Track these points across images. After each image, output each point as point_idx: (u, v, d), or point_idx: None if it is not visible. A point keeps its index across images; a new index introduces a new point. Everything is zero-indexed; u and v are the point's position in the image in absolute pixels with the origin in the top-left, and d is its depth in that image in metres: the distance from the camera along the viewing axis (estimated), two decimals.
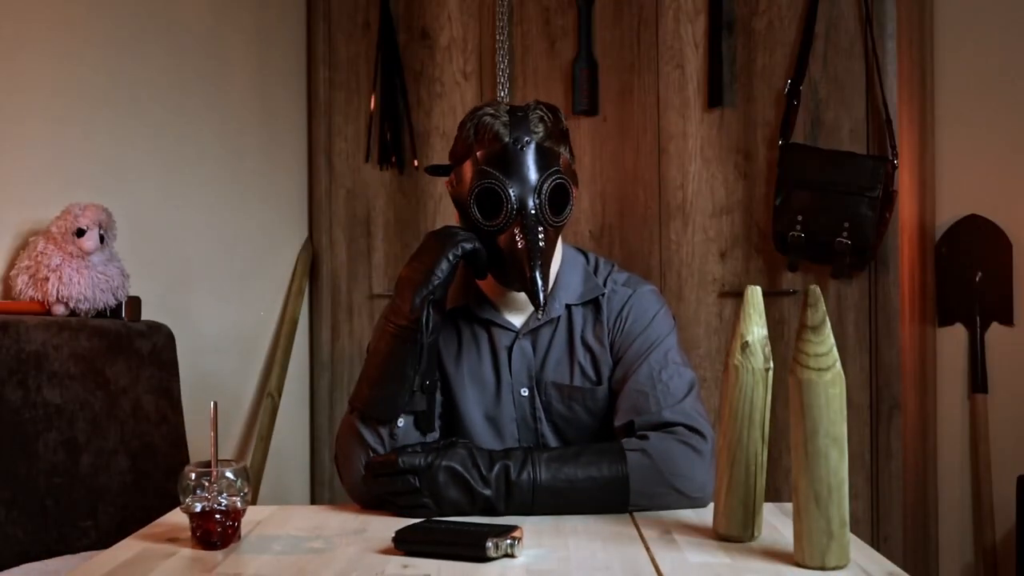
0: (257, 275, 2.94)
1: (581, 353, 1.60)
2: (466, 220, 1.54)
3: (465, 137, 1.55)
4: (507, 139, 1.50)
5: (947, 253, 3.05)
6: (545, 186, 1.49)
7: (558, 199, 1.52)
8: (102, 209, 2.11)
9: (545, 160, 1.51)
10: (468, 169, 1.53)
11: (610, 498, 1.42)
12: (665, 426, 1.48)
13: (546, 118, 1.54)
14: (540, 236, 1.48)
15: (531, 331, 1.61)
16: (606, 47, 2.91)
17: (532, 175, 1.49)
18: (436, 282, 1.47)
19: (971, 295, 3.02)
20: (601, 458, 1.43)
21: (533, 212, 1.49)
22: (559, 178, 1.51)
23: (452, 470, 1.39)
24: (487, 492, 1.39)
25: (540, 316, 1.54)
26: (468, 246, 1.50)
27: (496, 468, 1.40)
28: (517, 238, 1.48)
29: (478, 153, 1.52)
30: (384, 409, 1.47)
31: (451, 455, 1.40)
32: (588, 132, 2.91)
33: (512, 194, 1.48)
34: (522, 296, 1.59)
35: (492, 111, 1.54)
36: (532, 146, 1.50)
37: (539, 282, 1.47)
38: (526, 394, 1.60)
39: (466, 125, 1.56)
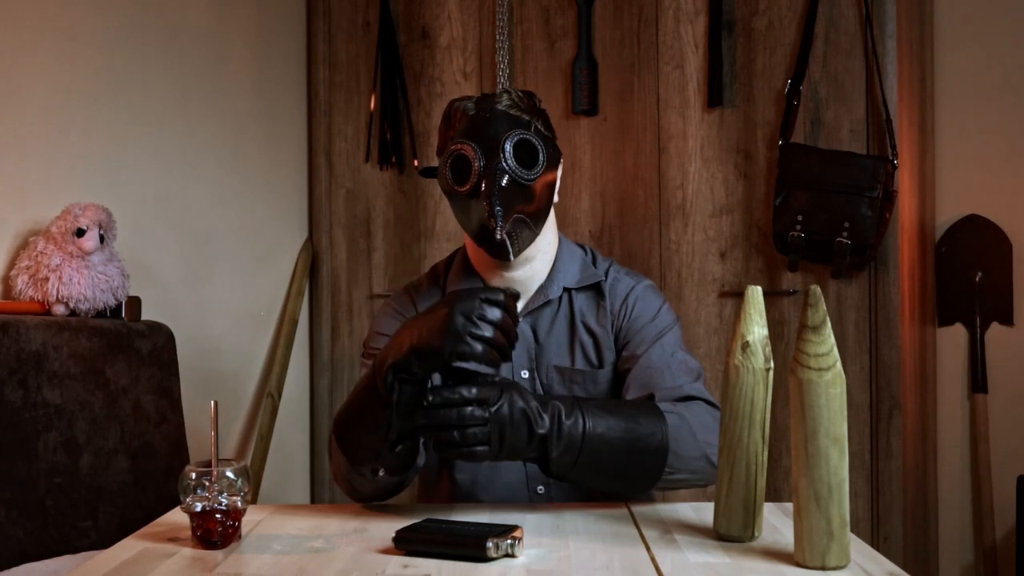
0: (257, 275, 2.94)
1: (583, 336, 1.63)
2: (449, 196, 1.58)
3: (444, 128, 1.62)
4: (472, 111, 1.57)
5: (947, 253, 3.05)
6: (507, 141, 1.53)
7: (526, 154, 1.55)
8: (102, 209, 2.11)
9: (510, 122, 1.56)
10: (446, 151, 1.58)
11: (649, 456, 1.37)
12: (688, 399, 1.49)
13: (513, 94, 1.60)
14: (503, 180, 1.50)
15: (531, 313, 1.63)
16: (606, 47, 2.91)
17: (496, 135, 1.54)
18: (414, 368, 1.29)
19: (971, 295, 3.02)
20: (640, 414, 1.39)
21: (500, 164, 1.51)
22: (522, 134, 1.55)
23: (519, 407, 1.29)
24: (543, 431, 1.31)
25: (498, 237, 1.48)
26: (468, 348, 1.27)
27: (549, 408, 1.32)
28: (482, 187, 1.51)
29: (451, 134, 1.59)
30: (353, 452, 1.39)
31: (513, 392, 1.30)
32: (588, 132, 2.91)
33: (477, 151, 1.53)
34: (520, 277, 1.62)
35: (464, 98, 1.62)
36: (497, 112, 1.56)
37: (498, 211, 1.48)
38: (526, 376, 1.61)
39: (444, 118, 1.63)
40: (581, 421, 1.33)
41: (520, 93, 1.61)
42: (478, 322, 1.25)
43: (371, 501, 1.47)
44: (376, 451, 1.34)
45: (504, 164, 1.52)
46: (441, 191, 1.64)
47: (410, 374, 1.28)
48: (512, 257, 1.54)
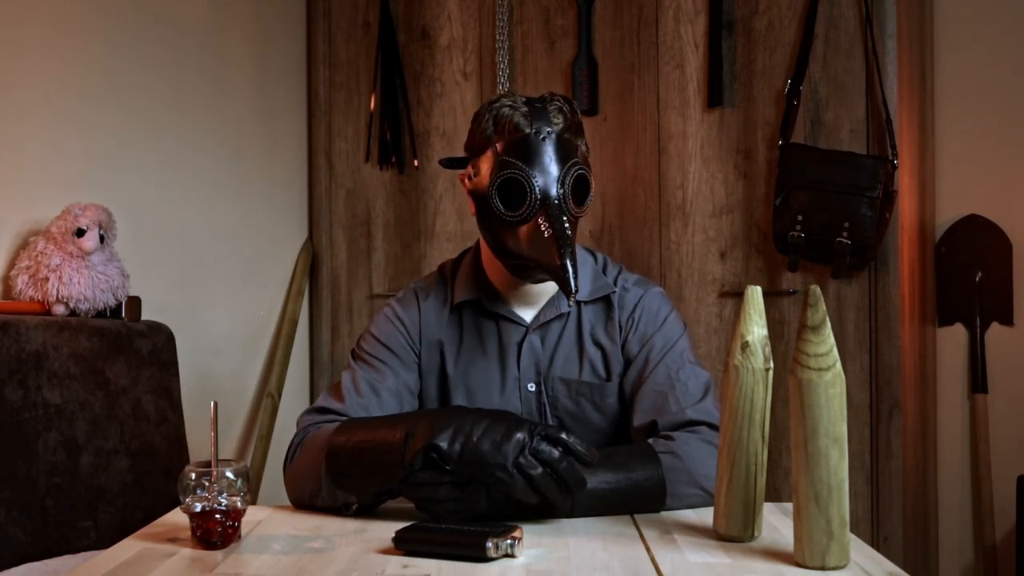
0: (257, 275, 2.94)
1: (591, 349, 1.61)
2: (485, 212, 1.53)
3: (483, 129, 1.54)
4: (528, 130, 1.50)
5: (947, 253, 3.05)
6: (568, 177, 1.49)
7: (580, 189, 1.52)
8: (102, 209, 2.11)
9: (566, 151, 1.51)
10: (488, 160, 1.52)
11: (647, 500, 1.40)
12: (688, 425, 1.48)
13: (564, 109, 1.54)
14: (567, 225, 1.48)
15: (541, 326, 1.61)
16: (606, 47, 2.91)
17: (554, 165, 1.49)
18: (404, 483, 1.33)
19: (971, 295, 3.02)
20: (633, 460, 1.41)
21: (557, 202, 1.48)
22: (581, 168, 1.51)
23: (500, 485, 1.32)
24: (531, 510, 1.35)
25: (571, 304, 1.50)
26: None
27: None
28: (543, 227, 1.47)
29: (498, 144, 1.51)
30: (340, 480, 1.41)
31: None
32: (588, 132, 2.88)
33: (536, 184, 1.48)
34: (534, 289, 1.60)
35: (510, 102, 1.53)
36: (553, 137, 1.50)
37: (570, 269, 1.45)
38: (533, 389, 1.61)
39: (483, 117, 1.55)
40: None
41: (567, 107, 1.54)
42: (530, 457, 1.27)
43: (310, 508, 1.46)
44: (363, 494, 1.39)
45: (564, 205, 1.48)
46: (467, 191, 1.58)
47: (438, 467, 1.30)
48: (576, 291, 1.48)
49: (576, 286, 1.45)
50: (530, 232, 1.48)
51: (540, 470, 1.27)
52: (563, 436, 1.29)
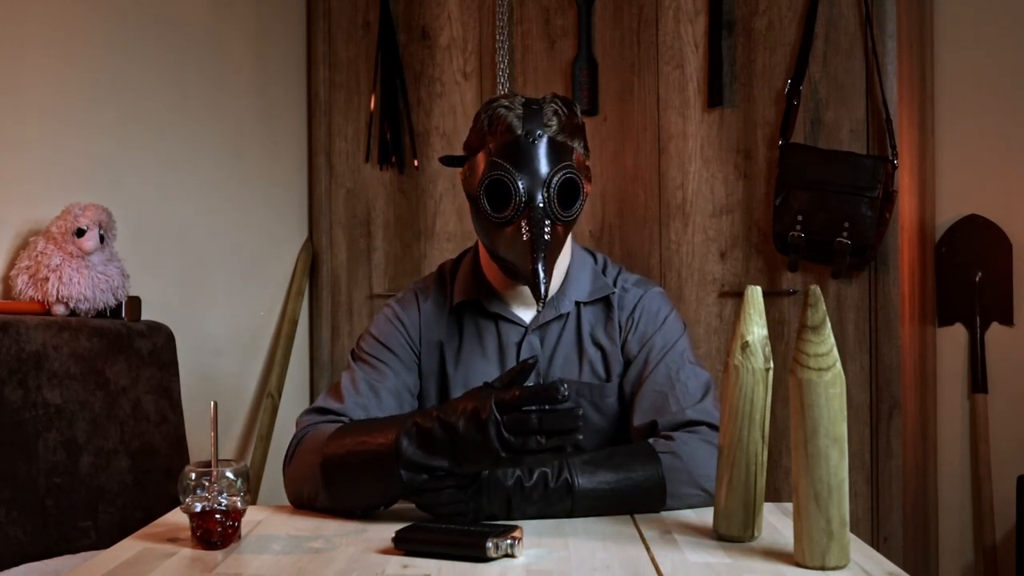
0: (257, 275, 2.94)
1: (591, 350, 1.61)
2: (477, 212, 1.54)
3: (479, 128, 1.55)
4: (519, 132, 1.50)
5: (947, 253, 3.05)
6: (555, 180, 1.48)
7: (568, 193, 1.51)
8: (102, 209, 2.11)
9: (557, 154, 1.50)
10: (480, 161, 1.52)
11: (647, 500, 1.40)
12: (688, 425, 1.48)
13: (560, 112, 1.53)
14: (546, 229, 1.47)
15: (540, 327, 1.61)
16: (606, 47, 2.91)
17: (543, 168, 1.48)
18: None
19: (971, 295, 3.02)
20: (634, 460, 1.41)
21: (541, 205, 1.47)
22: (569, 172, 1.50)
23: (498, 492, 1.35)
24: (531, 510, 1.36)
25: (540, 308, 1.51)
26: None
27: (535, 477, 1.36)
28: (523, 230, 1.47)
29: (491, 145, 1.51)
30: (337, 494, 1.41)
31: (492, 479, 1.35)
32: (588, 132, 2.89)
33: (521, 187, 1.47)
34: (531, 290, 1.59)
35: (507, 103, 1.53)
36: (544, 139, 1.49)
37: (541, 274, 1.45)
38: None
39: (481, 116, 1.55)
40: (568, 482, 1.36)
41: (565, 109, 1.54)
42: (510, 437, 1.24)
43: (309, 509, 1.47)
44: (360, 504, 1.40)
45: (548, 208, 1.47)
46: (463, 190, 1.58)
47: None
48: (545, 297, 1.48)
49: (545, 292, 1.45)
50: (512, 235, 1.48)
51: (530, 438, 1.24)
52: (517, 395, 1.24)
